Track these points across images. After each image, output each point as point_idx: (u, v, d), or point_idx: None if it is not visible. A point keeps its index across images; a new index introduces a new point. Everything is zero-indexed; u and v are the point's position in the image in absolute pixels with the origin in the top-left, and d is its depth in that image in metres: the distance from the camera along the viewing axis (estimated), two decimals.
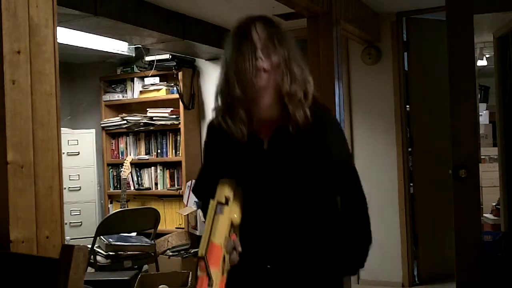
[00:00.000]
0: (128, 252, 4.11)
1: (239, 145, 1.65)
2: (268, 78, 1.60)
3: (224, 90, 1.65)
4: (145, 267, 4.53)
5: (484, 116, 6.75)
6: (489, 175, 5.40)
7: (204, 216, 1.75)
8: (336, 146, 1.70)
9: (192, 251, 4.75)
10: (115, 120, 5.64)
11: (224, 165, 1.70)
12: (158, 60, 5.31)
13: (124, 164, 5.13)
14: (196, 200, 4.75)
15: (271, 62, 1.60)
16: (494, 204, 5.06)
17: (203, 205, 1.85)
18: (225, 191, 1.58)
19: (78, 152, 5.54)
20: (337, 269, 1.74)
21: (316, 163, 1.64)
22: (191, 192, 4.68)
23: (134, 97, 5.60)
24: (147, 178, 5.54)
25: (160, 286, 3.32)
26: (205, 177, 1.82)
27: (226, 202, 1.56)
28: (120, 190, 5.08)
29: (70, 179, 5.40)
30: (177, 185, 5.33)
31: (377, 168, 4.66)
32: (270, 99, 1.64)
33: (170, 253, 4.69)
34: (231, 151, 1.68)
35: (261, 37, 1.61)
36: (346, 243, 1.71)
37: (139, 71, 5.57)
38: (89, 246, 3.87)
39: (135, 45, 5.07)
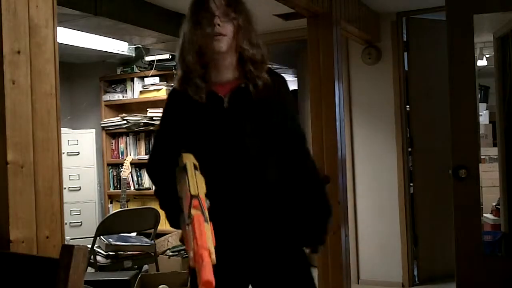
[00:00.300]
0: (128, 252, 4.11)
1: (199, 105, 1.73)
2: (229, 43, 1.71)
3: (179, 59, 1.77)
4: (145, 267, 4.54)
5: (484, 116, 6.75)
6: (489, 175, 5.40)
7: (162, 202, 1.81)
8: (291, 111, 1.81)
9: None
10: (115, 120, 5.64)
11: (184, 127, 1.75)
12: (158, 60, 5.31)
13: (124, 164, 5.14)
14: None
15: (232, 27, 1.72)
16: (494, 204, 5.06)
17: (158, 190, 1.84)
18: (192, 159, 1.60)
19: (78, 152, 5.54)
20: (295, 239, 1.76)
21: (273, 122, 1.73)
22: None
23: (134, 97, 5.61)
24: (147, 178, 5.54)
25: (160, 286, 3.32)
26: (161, 151, 1.83)
27: (197, 168, 1.58)
28: (120, 190, 5.08)
29: (70, 179, 5.40)
30: None
31: (377, 168, 4.66)
32: (231, 61, 1.75)
33: (170, 253, 4.69)
34: (191, 111, 1.74)
35: (219, 6, 1.71)
36: (303, 213, 1.75)
37: (139, 71, 5.57)
38: (89, 246, 3.87)
39: (135, 45, 5.07)
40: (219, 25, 1.69)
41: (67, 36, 4.31)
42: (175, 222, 1.71)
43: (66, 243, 1.46)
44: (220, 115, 1.72)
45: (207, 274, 1.24)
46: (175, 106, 1.80)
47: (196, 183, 1.47)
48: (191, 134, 1.74)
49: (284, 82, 1.83)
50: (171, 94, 1.85)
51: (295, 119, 1.83)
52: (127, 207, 5.05)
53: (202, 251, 1.28)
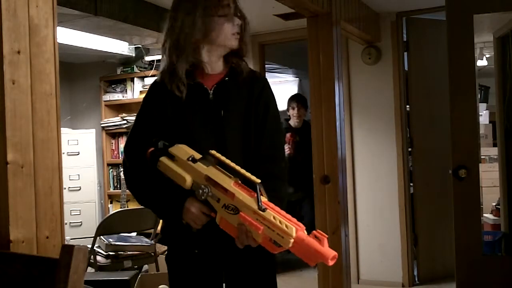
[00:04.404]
0: (128, 252, 4.11)
1: (183, 99, 1.76)
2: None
3: (175, 46, 1.79)
4: (145, 267, 4.53)
5: (484, 116, 6.75)
6: (489, 175, 5.41)
7: (147, 193, 1.78)
8: (273, 110, 1.84)
9: None
10: (115, 120, 5.64)
11: (167, 118, 1.76)
12: (158, 60, 5.31)
13: None
14: None
15: (240, 27, 1.80)
16: (494, 204, 5.06)
17: (131, 166, 1.79)
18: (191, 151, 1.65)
19: (78, 152, 5.54)
20: None
21: (255, 115, 1.78)
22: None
23: (134, 97, 5.60)
24: None
25: (160, 286, 3.32)
26: (141, 131, 1.80)
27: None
28: (120, 190, 5.08)
29: (70, 179, 5.40)
30: None
31: (377, 168, 4.66)
32: (221, 56, 1.83)
33: None
34: (176, 104, 1.76)
35: (234, 5, 1.79)
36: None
37: (139, 71, 5.57)
38: (89, 246, 3.87)
39: (135, 45, 5.07)
40: (238, 25, 1.79)
41: (67, 36, 4.31)
42: (171, 209, 1.71)
43: (66, 243, 1.46)
44: (205, 107, 1.77)
45: (330, 249, 1.29)
46: (159, 95, 1.80)
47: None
48: (175, 126, 1.75)
49: (267, 83, 1.89)
50: (154, 84, 1.84)
51: (276, 118, 1.85)
52: (127, 207, 5.05)
53: (302, 230, 1.33)
